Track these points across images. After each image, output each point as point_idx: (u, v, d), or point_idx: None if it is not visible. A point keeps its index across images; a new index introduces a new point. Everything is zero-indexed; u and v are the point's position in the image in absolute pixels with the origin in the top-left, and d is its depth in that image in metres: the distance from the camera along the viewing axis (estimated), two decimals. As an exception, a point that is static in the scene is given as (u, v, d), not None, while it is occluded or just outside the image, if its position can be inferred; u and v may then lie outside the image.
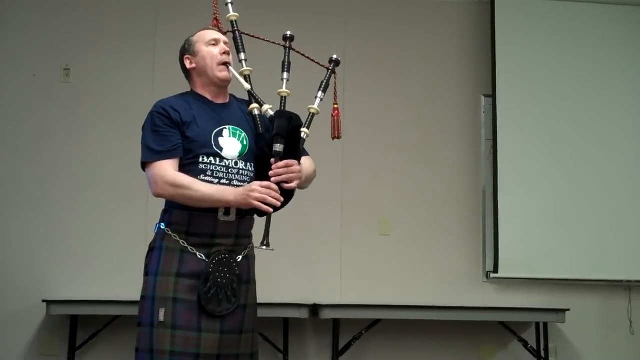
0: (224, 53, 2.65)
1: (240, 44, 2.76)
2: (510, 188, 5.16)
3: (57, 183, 4.93)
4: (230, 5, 2.83)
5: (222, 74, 2.64)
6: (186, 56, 2.69)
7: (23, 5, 5.07)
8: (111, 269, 4.84)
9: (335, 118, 2.82)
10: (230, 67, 2.65)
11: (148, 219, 4.59)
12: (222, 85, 2.67)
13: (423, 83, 5.37)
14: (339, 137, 2.83)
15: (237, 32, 2.78)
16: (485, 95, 5.35)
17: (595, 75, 5.35)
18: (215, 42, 2.67)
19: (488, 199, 5.24)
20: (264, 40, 2.80)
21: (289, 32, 2.80)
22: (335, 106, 2.82)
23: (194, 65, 2.67)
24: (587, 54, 5.37)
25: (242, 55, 2.75)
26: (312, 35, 4.90)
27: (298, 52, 2.79)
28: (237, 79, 2.67)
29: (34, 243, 4.85)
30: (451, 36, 5.45)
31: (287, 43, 2.79)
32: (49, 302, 4.52)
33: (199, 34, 2.72)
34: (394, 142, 5.28)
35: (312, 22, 5.21)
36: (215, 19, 2.85)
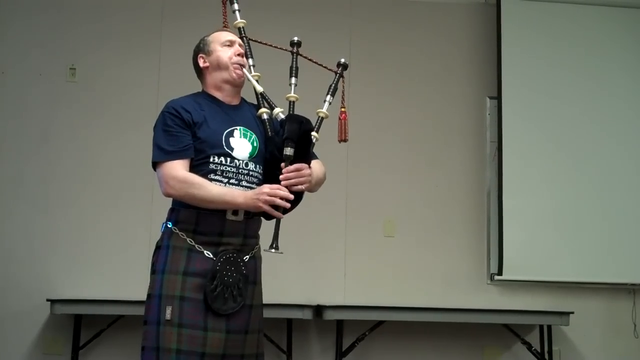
0: (239, 54, 2.68)
1: (248, 50, 2.78)
2: (514, 190, 5.15)
3: (62, 182, 4.94)
4: (237, 12, 2.85)
5: (236, 72, 2.65)
6: (200, 55, 2.71)
7: (29, 4, 5.08)
8: (115, 268, 4.85)
9: (343, 121, 2.83)
10: (244, 69, 2.68)
11: (152, 218, 4.61)
12: (236, 84, 2.68)
13: (428, 85, 5.37)
14: (345, 140, 2.84)
15: (245, 38, 2.80)
16: (491, 97, 5.34)
17: (601, 78, 5.34)
18: (231, 44, 2.70)
19: (493, 201, 5.23)
20: (271, 46, 2.81)
21: (296, 38, 2.82)
22: (343, 109, 2.83)
23: (207, 64, 2.69)
24: (592, 57, 5.36)
25: (251, 61, 2.77)
26: (317, 36, 4.91)
27: (305, 57, 2.80)
28: (249, 80, 2.68)
29: (38, 242, 4.86)
30: (456, 38, 5.45)
31: (295, 48, 2.80)
32: (53, 301, 4.52)
33: (214, 34, 2.74)
34: (398, 144, 5.28)
35: (317, 23, 5.21)
36: (225, 26, 2.86)
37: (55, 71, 5.04)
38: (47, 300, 4.54)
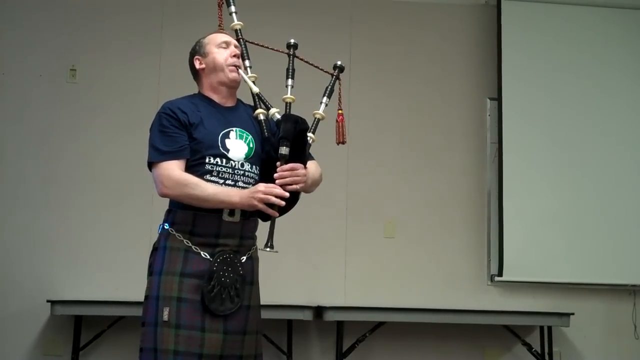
0: (234, 56, 2.68)
1: (245, 51, 2.79)
2: (515, 191, 5.15)
3: (63, 183, 4.94)
4: (234, 14, 2.86)
5: (232, 74, 2.66)
6: (196, 57, 2.72)
7: (29, 5, 5.09)
8: (115, 269, 4.85)
9: (340, 123, 2.83)
10: (240, 71, 2.68)
11: (152, 219, 4.57)
12: (232, 86, 2.69)
13: (428, 86, 5.37)
14: (343, 142, 2.85)
15: (241, 40, 2.80)
16: (491, 99, 5.34)
17: (601, 79, 5.34)
18: (226, 45, 2.70)
19: (493, 202, 5.23)
20: (268, 48, 2.81)
21: (292, 40, 2.83)
22: (340, 112, 2.83)
23: (203, 66, 2.69)
24: (592, 58, 5.36)
25: (247, 63, 2.77)
26: (317, 37, 4.93)
27: (302, 59, 2.81)
28: (245, 82, 2.69)
29: (39, 243, 4.86)
30: (457, 39, 5.45)
31: (291, 51, 2.81)
32: (53, 302, 4.52)
33: (210, 36, 2.74)
34: (398, 145, 5.28)
35: (317, 24, 5.21)
36: (220, 28, 2.87)
37: (55, 72, 5.04)
38: (48, 301, 4.54)
